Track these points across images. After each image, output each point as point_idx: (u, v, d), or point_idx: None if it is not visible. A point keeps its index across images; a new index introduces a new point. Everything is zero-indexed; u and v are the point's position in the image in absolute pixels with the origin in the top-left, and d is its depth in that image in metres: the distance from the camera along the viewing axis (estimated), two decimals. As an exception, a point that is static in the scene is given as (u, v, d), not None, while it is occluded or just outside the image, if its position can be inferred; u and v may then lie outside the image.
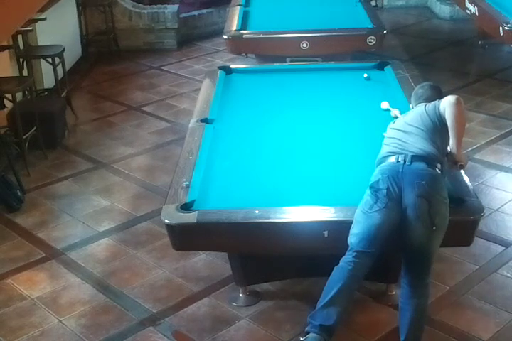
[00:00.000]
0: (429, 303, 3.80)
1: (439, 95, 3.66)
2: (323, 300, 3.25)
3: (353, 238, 3.25)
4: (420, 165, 3.27)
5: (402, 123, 3.55)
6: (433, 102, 3.53)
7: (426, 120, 3.44)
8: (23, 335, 3.78)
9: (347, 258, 3.24)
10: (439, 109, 3.42)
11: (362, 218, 3.24)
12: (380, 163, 3.42)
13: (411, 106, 3.80)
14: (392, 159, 3.35)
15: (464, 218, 3.28)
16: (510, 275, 4.16)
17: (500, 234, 4.58)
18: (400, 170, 3.26)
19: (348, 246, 3.25)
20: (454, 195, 3.39)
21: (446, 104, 3.38)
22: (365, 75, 5.09)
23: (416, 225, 3.18)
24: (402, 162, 3.29)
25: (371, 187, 3.29)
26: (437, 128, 3.41)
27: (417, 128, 3.44)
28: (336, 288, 3.21)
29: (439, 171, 3.31)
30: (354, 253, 3.22)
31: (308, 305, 3.92)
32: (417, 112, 3.55)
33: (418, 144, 3.36)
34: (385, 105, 4.55)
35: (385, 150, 3.49)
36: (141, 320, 3.87)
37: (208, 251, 4.21)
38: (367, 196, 3.29)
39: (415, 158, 3.29)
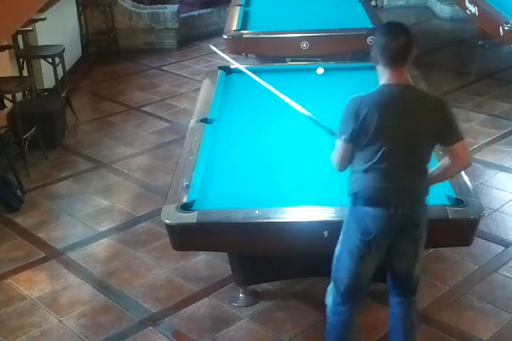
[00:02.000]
0: (428, 304, 3.83)
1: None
2: None
3: (341, 285, 3.11)
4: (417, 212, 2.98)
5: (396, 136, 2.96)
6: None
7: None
8: (23, 335, 3.78)
9: (338, 309, 3.13)
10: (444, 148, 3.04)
11: (351, 265, 3.05)
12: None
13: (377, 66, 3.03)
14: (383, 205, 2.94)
15: (464, 218, 3.28)
16: (510, 275, 4.16)
17: (500, 234, 4.58)
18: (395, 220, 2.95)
19: None
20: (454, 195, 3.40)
21: (459, 162, 3.03)
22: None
23: (403, 260, 3.09)
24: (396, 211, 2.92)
25: (362, 241, 2.98)
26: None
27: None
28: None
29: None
30: (346, 301, 3.12)
31: (308, 305, 3.93)
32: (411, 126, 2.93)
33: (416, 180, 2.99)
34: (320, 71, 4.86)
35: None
36: (141, 320, 3.87)
37: (208, 251, 4.21)
38: (356, 243, 2.99)
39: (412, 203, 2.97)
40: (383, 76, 2.97)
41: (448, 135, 2.97)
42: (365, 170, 2.93)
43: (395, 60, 2.90)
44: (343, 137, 2.93)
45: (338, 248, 3.10)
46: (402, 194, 2.93)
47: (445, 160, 3.06)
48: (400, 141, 2.90)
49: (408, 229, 2.98)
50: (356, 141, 2.91)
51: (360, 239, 2.97)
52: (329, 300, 3.20)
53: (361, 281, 3.11)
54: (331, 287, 3.21)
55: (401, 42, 2.88)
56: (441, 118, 2.95)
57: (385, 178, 2.91)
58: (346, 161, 3.02)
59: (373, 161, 2.90)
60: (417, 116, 2.89)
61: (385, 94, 2.93)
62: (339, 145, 2.98)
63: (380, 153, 2.88)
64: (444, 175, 3.14)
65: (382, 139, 2.87)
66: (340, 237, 3.09)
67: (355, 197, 2.98)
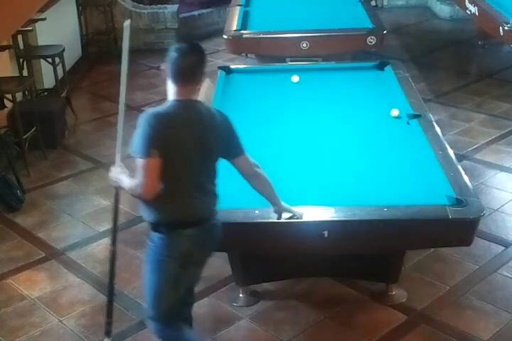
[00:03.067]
0: (428, 304, 3.83)
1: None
2: None
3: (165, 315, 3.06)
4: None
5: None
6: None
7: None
8: (23, 335, 3.78)
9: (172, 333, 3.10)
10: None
11: (169, 291, 3.01)
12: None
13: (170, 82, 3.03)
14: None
15: (464, 218, 3.28)
16: (510, 275, 4.16)
17: (500, 234, 4.58)
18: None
19: None
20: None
21: (247, 174, 3.09)
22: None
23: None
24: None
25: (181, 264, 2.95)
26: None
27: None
28: None
29: None
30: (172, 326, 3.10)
31: (308, 305, 3.93)
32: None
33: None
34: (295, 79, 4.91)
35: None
36: (141, 320, 3.86)
37: (208, 251, 4.21)
38: (175, 268, 2.95)
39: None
40: (172, 91, 2.99)
41: (233, 148, 3.03)
42: (169, 193, 2.84)
43: (183, 76, 2.92)
44: (147, 153, 2.77)
45: (150, 279, 3.02)
46: (204, 211, 2.98)
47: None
48: (195, 160, 2.90)
49: (210, 245, 3.05)
50: (161, 157, 2.79)
51: (180, 263, 2.94)
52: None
53: (181, 300, 3.09)
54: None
55: (191, 60, 2.91)
56: (228, 133, 3.00)
57: (188, 199, 2.91)
58: (157, 179, 2.80)
59: (172, 183, 2.84)
60: (209, 133, 2.91)
61: (174, 110, 2.91)
62: (144, 163, 2.78)
63: (176, 173, 2.85)
64: (262, 191, 3.18)
65: (180, 158, 2.85)
66: (149, 267, 3.01)
67: (172, 223, 2.92)
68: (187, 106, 2.94)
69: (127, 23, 3.23)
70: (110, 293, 3.33)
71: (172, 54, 2.94)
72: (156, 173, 2.78)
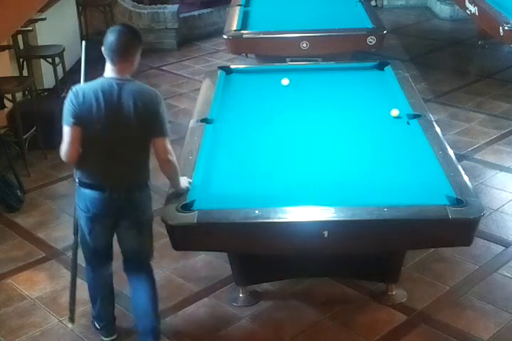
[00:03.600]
0: (428, 304, 3.83)
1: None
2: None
3: (84, 253, 3.56)
4: None
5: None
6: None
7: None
8: (23, 335, 3.78)
9: (88, 273, 3.64)
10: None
11: (84, 237, 3.49)
12: None
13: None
14: None
15: (464, 218, 3.28)
16: (510, 275, 4.16)
17: (500, 234, 4.58)
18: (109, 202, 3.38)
19: None
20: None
21: (159, 157, 3.32)
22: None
23: (127, 239, 3.51)
24: None
25: (86, 217, 3.44)
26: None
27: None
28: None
29: None
30: (90, 266, 3.61)
31: (308, 305, 3.93)
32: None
33: None
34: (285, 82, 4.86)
35: None
36: (141, 320, 3.87)
37: (208, 251, 4.21)
38: (83, 218, 3.45)
39: None
40: (106, 69, 3.29)
41: (154, 128, 3.25)
42: (83, 156, 3.26)
43: (115, 55, 3.21)
44: (68, 122, 3.19)
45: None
46: (113, 180, 3.30)
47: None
48: (108, 133, 3.21)
49: (127, 211, 3.37)
50: (79, 126, 3.20)
51: (85, 215, 3.39)
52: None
53: (95, 251, 3.50)
54: None
55: (121, 40, 3.19)
56: (152, 112, 3.23)
57: (97, 165, 3.29)
58: (75, 147, 3.23)
59: (86, 149, 3.24)
60: (128, 109, 3.18)
61: (102, 86, 3.22)
62: (66, 131, 3.21)
63: (90, 142, 3.23)
64: (166, 175, 3.46)
65: (93, 129, 3.19)
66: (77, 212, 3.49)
67: (79, 181, 3.35)
68: (110, 83, 3.22)
69: (84, 43, 3.75)
70: (73, 279, 3.62)
71: (106, 35, 3.23)
72: (72, 140, 3.21)
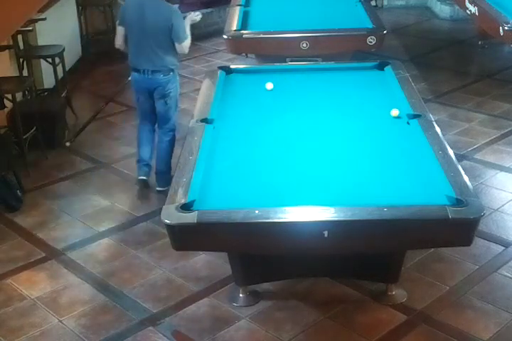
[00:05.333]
0: (428, 304, 3.83)
1: None
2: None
3: (137, 114, 5.46)
4: None
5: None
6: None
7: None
8: (23, 335, 3.78)
9: (139, 127, 5.45)
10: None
11: (136, 104, 5.40)
12: None
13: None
14: None
15: (464, 218, 3.28)
16: (510, 275, 4.16)
17: (501, 234, 4.58)
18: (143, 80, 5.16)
19: None
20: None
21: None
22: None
23: (158, 105, 5.22)
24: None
25: (135, 91, 5.29)
26: None
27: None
28: None
29: None
30: (141, 122, 5.43)
31: (308, 305, 3.93)
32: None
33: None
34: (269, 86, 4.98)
35: None
36: (141, 320, 3.88)
37: (208, 251, 4.21)
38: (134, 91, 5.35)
39: None
40: None
41: (174, 33, 4.90)
42: (129, 48, 5.06)
43: None
44: (118, 22, 5.15)
45: None
46: (143, 65, 4.99)
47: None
48: (142, 32, 4.90)
49: (154, 87, 5.06)
50: (123, 26, 5.07)
51: (134, 88, 5.22)
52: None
53: (143, 113, 5.31)
54: None
55: None
56: (171, 21, 4.86)
57: (135, 53, 5.03)
58: (120, 39, 5.13)
59: (129, 42, 5.04)
60: (154, 16, 4.87)
61: (139, 2, 4.95)
62: (117, 28, 5.14)
63: (131, 37, 5.01)
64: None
65: (131, 29, 4.99)
66: None
67: (131, 67, 5.12)
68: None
69: None
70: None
71: None
72: (120, 35, 5.10)
